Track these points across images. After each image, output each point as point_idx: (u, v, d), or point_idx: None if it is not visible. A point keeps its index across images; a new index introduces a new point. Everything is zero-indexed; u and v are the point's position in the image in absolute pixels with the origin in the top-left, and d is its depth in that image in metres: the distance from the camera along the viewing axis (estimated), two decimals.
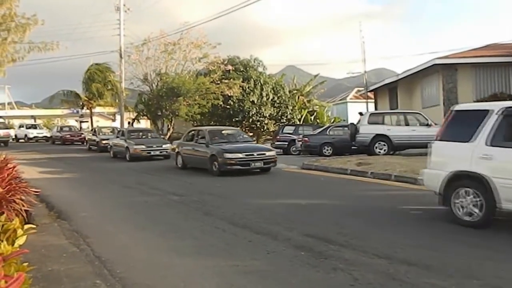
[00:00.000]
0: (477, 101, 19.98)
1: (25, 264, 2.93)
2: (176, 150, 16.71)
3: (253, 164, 13.80)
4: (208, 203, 9.14)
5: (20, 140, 41.78)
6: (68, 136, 36.37)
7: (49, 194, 9.95)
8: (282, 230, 6.56)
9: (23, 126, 44.48)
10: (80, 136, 36.59)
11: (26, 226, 3.43)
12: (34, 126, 45.34)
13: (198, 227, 7.04)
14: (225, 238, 6.31)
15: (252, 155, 13.96)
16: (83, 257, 5.31)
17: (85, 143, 31.93)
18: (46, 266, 4.72)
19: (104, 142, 26.20)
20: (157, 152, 20.40)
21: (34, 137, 41.53)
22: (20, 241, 3.19)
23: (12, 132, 46.00)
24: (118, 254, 5.58)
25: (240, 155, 13.71)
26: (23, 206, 5.47)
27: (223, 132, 16.63)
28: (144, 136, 22.32)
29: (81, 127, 47.18)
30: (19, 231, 3.23)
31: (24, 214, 5.40)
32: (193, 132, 16.75)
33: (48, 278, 4.39)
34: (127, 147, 20.44)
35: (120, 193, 11.23)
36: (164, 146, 20.76)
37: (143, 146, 20.20)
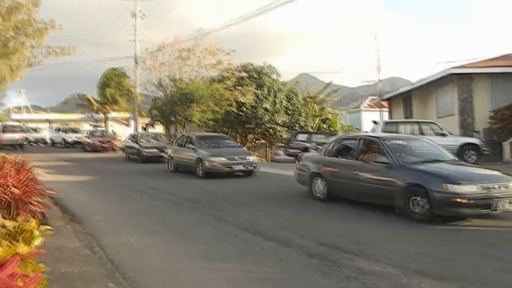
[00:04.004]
0: (493, 111, 19.80)
1: (41, 264, 2.95)
2: (310, 169, 10.44)
3: (499, 204, 7.40)
4: (221, 209, 9.15)
5: (57, 145, 38.26)
6: (98, 142, 31.62)
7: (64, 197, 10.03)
8: (295, 238, 6.53)
9: (60, 130, 41.06)
10: (110, 142, 32.61)
11: (42, 228, 3.47)
12: (72, 130, 41.31)
13: (210, 233, 7.06)
14: (237, 244, 6.31)
15: (494, 188, 7.52)
16: (96, 260, 5.34)
17: (123, 151, 26.60)
18: (59, 268, 4.75)
19: (147, 151, 22.47)
20: (241, 167, 15.46)
21: (73, 141, 36.90)
22: (36, 242, 3.22)
23: (46, 135, 46.01)
24: (131, 258, 5.60)
25: (475, 189, 7.39)
26: (39, 208, 5.53)
27: (403, 141, 10.11)
28: (214, 144, 16.94)
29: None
30: (36, 232, 3.26)
31: (40, 216, 5.46)
32: (347, 140, 10.51)
33: (62, 280, 4.43)
34: (199, 158, 15.45)
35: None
36: (249, 158, 15.90)
37: (223, 159, 15.17)
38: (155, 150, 22.40)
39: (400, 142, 9.92)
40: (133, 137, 25.55)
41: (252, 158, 15.95)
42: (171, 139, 27.80)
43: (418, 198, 7.69)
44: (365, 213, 8.54)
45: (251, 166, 15.65)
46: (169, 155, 18.15)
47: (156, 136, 26.54)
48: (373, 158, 8.93)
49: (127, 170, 18.78)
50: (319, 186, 10.07)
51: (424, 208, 7.60)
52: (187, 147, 16.96)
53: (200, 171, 15.36)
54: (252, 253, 5.90)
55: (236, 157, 15.55)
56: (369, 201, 8.88)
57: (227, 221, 7.93)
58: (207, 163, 15.09)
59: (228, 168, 15.16)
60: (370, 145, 9.47)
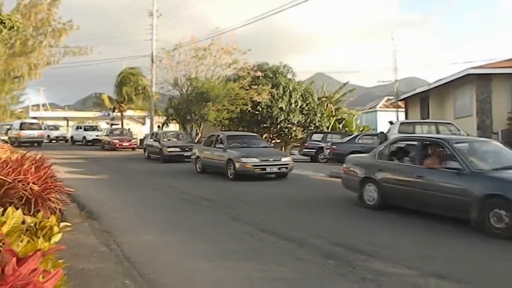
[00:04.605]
0: None
1: (60, 261, 3.00)
2: (360, 173, 9.43)
3: None
4: (237, 209, 9.18)
5: (77, 143, 38.49)
6: (117, 141, 31.22)
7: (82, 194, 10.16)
8: (309, 238, 6.53)
9: (80, 127, 41.39)
10: (130, 141, 32.04)
11: (61, 224, 3.53)
12: (92, 128, 41.79)
13: (226, 232, 7.10)
14: (252, 244, 6.32)
15: None
16: (113, 257, 5.40)
17: (144, 151, 25.68)
18: (77, 265, 4.81)
19: (169, 150, 21.75)
20: (275, 169, 14.42)
21: (94, 139, 37.05)
22: (56, 238, 3.27)
23: (67, 133, 46.46)
24: (147, 256, 5.64)
25: None
26: (58, 204, 5.61)
27: (472, 144, 8.92)
28: (245, 144, 16.03)
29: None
30: (55, 229, 3.32)
31: (58, 213, 5.54)
32: (406, 142, 9.50)
33: (79, 276, 4.49)
34: (230, 159, 14.47)
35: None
36: (283, 160, 14.83)
37: (256, 160, 14.11)
38: (178, 149, 21.83)
39: (469, 144, 8.65)
40: (154, 136, 24.81)
41: (286, 160, 14.86)
42: (193, 138, 27.81)
43: (502, 212, 6.53)
44: (412, 220, 7.80)
45: (285, 168, 14.59)
46: (196, 155, 17.15)
47: (178, 135, 25.84)
48: (441, 164, 7.82)
49: (148, 170, 18.40)
50: (372, 192, 8.97)
51: (508, 223, 6.48)
52: (216, 147, 15.86)
53: (231, 173, 14.38)
54: (267, 252, 5.91)
55: (270, 159, 14.49)
56: (435, 212, 7.78)
57: (253, 224, 7.94)
58: (238, 165, 14.06)
59: (261, 170, 14.14)
60: (434, 148, 8.39)
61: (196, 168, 16.96)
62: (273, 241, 6.38)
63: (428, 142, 8.70)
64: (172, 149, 21.78)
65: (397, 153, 9.14)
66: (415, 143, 8.88)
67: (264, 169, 14.15)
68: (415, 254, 5.78)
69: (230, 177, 14.31)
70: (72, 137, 41.18)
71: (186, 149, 21.39)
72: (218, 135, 16.71)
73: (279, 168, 14.43)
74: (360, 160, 10.02)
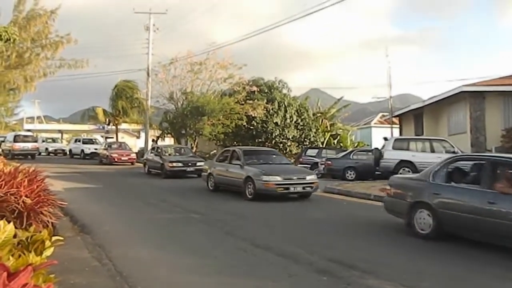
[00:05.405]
0: (505, 129, 19.64)
1: (52, 275, 2.96)
2: (410, 197, 8.12)
3: None
4: (229, 223, 9.13)
5: (75, 156, 37.64)
6: (116, 155, 29.91)
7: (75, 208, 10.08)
8: (303, 253, 6.49)
9: (79, 140, 40.53)
10: (129, 155, 30.77)
11: (53, 238, 3.50)
12: (91, 141, 40.73)
13: (219, 246, 7.04)
14: (246, 259, 6.28)
15: None
16: (105, 272, 5.34)
17: (144, 165, 24.34)
18: (69, 279, 4.76)
19: (172, 165, 20.69)
20: (299, 188, 12.89)
21: (92, 153, 35.91)
22: (48, 252, 3.24)
23: (65, 146, 45.97)
24: (139, 271, 5.59)
25: None
26: (50, 218, 5.57)
27: None
28: (263, 161, 14.52)
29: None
30: (47, 243, 3.29)
31: (51, 226, 5.49)
32: (467, 162, 8.74)
33: None
34: (248, 177, 12.99)
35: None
36: (308, 178, 13.25)
37: (279, 178, 12.57)
38: (180, 164, 20.88)
39: None
40: (156, 150, 23.86)
41: (311, 178, 13.31)
42: (197, 153, 27.50)
43: None
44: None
45: (310, 188, 13.14)
46: (208, 172, 15.61)
47: (180, 149, 25.16)
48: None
49: (148, 185, 17.61)
50: (425, 219, 7.63)
51: None
52: (232, 163, 14.48)
53: (250, 192, 12.89)
54: (261, 268, 5.87)
55: (293, 177, 12.99)
56: (509, 245, 6.55)
57: (247, 239, 7.90)
58: (258, 183, 12.57)
59: (284, 190, 12.63)
60: (506, 169, 7.16)
61: (208, 186, 15.47)
62: (267, 257, 6.35)
63: (498, 163, 7.42)
64: (174, 164, 20.80)
65: (456, 174, 7.99)
66: (482, 163, 7.66)
67: (288, 188, 12.67)
68: (407, 270, 5.75)
69: (249, 196, 12.83)
70: (70, 150, 40.50)
71: (189, 164, 20.81)
72: (234, 150, 15.31)
73: (303, 188, 12.97)
74: (409, 181, 8.72)
